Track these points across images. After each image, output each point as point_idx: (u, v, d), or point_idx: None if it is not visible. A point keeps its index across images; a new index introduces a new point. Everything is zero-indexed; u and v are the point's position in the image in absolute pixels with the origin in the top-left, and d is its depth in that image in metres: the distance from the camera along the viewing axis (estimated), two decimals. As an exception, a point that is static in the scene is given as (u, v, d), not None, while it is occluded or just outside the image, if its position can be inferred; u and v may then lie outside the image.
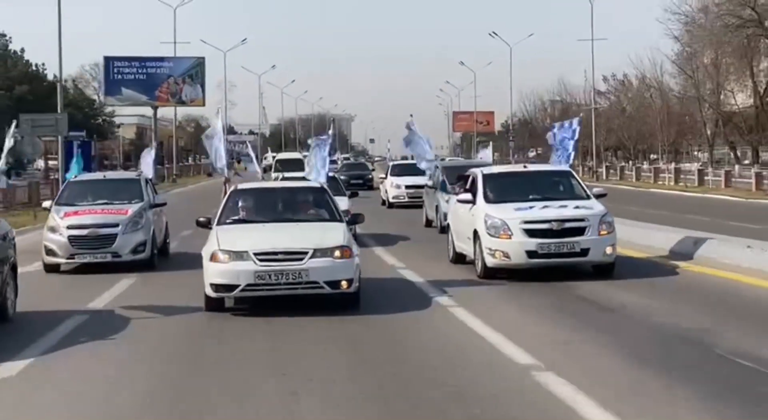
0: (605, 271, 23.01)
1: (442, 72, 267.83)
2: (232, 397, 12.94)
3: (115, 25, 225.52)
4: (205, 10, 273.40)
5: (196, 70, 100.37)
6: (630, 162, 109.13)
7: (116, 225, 27.15)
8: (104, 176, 32.69)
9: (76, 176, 30.85)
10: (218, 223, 20.80)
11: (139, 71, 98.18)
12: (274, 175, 47.31)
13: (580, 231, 22.59)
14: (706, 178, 75.92)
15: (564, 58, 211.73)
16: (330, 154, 31.82)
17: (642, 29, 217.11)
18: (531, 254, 22.52)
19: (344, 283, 19.06)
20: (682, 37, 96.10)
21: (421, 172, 45.38)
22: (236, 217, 21.19)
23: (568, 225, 22.63)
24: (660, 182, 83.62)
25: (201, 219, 21.52)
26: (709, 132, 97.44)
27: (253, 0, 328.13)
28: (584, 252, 22.49)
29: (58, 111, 58.77)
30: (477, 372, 14.13)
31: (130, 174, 35.49)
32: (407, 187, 52.52)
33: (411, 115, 36.94)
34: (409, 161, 58.12)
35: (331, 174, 34.01)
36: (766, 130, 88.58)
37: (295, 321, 18.51)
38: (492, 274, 23.04)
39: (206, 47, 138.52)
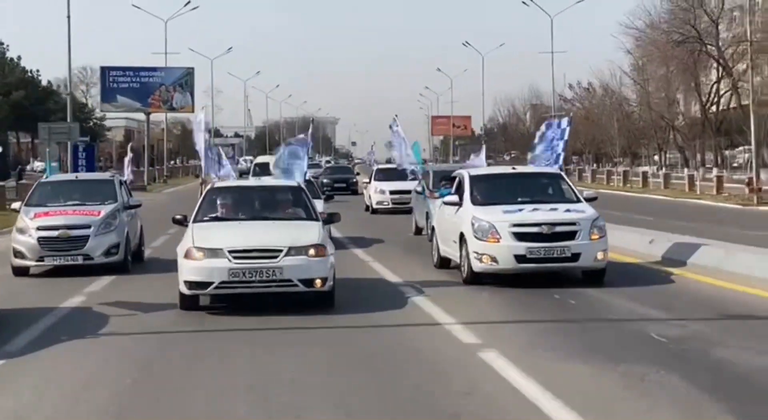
0: (596, 277, 21.78)
1: (424, 76, 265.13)
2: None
3: (105, 31, 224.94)
4: (193, 19, 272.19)
5: (186, 79, 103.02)
6: (588, 166, 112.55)
7: (88, 226, 25.83)
8: (76, 177, 31.37)
9: (47, 177, 29.45)
10: (194, 221, 20.24)
11: (133, 80, 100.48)
12: (253, 178, 45.29)
13: (571, 235, 21.40)
14: (648, 180, 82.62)
15: (535, 66, 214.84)
16: (308, 155, 30.45)
17: (603, 42, 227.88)
18: (520, 259, 21.28)
19: (318, 282, 18.62)
20: (634, 50, 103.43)
21: (408, 177, 42.40)
22: (212, 215, 20.62)
23: (558, 229, 21.42)
24: (611, 184, 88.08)
25: (177, 216, 20.82)
26: (659, 139, 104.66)
27: (238, 9, 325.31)
28: (575, 257, 21.28)
29: (68, 120, 68.37)
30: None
31: (103, 175, 34.16)
32: (392, 192, 49.51)
33: (395, 116, 34.83)
34: (394, 165, 56.68)
35: (308, 177, 32.72)
36: (711, 136, 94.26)
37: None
38: (478, 279, 21.80)
39: (194, 55, 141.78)
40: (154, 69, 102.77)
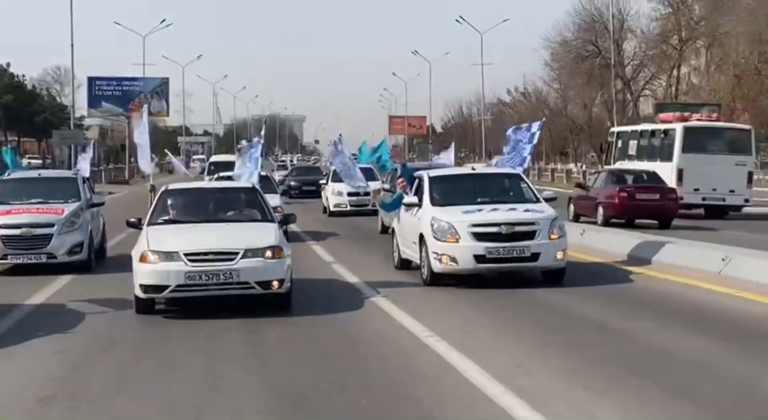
0: (555, 276, 20.03)
1: (384, 78, 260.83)
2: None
3: (84, 38, 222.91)
4: (167, 30, 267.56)
5: (161, 88, 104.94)
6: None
7: (51, 225, 23.60)
8: (39, 174, 28.98)
9: (9, 174, 26.69)
10: (149, 224, 18.47)
11: (116, 88, 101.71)
12: (207, 177, 40.68)
13: (530, 235, 19.56)
14: (557, 174, 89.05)
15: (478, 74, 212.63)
16: (262, 155, 28.01)
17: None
18: (479, 259, 19.46)
19: (275, 284, 17.00)
20: (552, 64, 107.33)
21: (367, 178, 38.78)
22: (167, 218, 18.82)
23: (517, 229, 19.59)
24: (543, 180, 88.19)
25: (131, 219, 19.12)
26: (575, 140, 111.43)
27: (207, 17, 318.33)
28: (534, 257, 19.48)
29: (71, 127, 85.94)
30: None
31: (66, 172, 31.43)
32: (350, 194, 42.35)
33: (340, 135, 32.08)
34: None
35: (263, 173, 30.19)
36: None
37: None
38: (438, 280, 19.95)
39: (167, 62, 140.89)
40: (134, 79, 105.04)
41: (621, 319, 16.29)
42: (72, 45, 79.55)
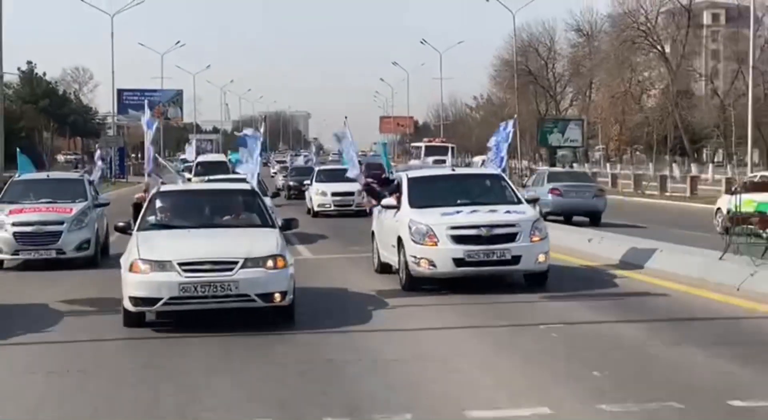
0: (537, 280, 16.13)
1: (375, 83, 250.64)
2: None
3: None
4: (175, 37, 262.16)
5: (177, 98, 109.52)
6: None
7: (61, 223, 20.96)
8: (48, 176, 25.85)
9: (20, 175, 24.09)
10: (139, 229, 14.17)
11: (140, 98, 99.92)
12: (196, 179, 35.33)
13: (510, 237, 15.63)
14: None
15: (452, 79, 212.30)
16: (261, 154, 24.11)
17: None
18: (458, 262, 15.53)
19: (277, 296, 12.84)
20: (496, 78, 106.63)
21: (351, 179, 35.51)
22: (158, 223, 14.49)
23: (497, 231, 15.63)
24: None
25: (119, 223, 14.84)
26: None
27: (214, 31, 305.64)
28: (515, 259, 15.55)
29: (113, 133, 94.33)
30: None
31: (73, 174, 28.57)
32: (334, 194, 35.76)
33: (345, 117, 27.97)
34: (338, 166, 47.56)
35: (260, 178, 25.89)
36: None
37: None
38: (417, 284, 15.99)
39: (179, 71, 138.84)
40: (154, 90, 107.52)
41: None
42: (113, 72, 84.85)
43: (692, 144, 78.72)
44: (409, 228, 16.04)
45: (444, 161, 49.49)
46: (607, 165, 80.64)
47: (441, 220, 15.93)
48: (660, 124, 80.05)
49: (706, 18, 69.50)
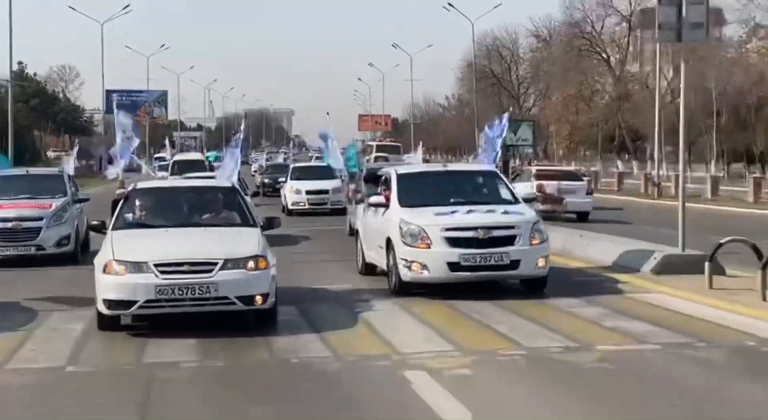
0: (536, 285, 13.98)
1: (354, 82, 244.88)
2: None
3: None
4: (158, 37, 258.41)
5: (161, 98, 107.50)
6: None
7: (41, 218, 19.28)
8: (27, 171, 23.67)
9: None
10: (114, 228, 12.50)
11: (127, 99, 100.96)
12: (172, 178, 31.19)
13: (509, 240, 13.52)
14: None
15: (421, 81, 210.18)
16: (242, 152, 22.12)
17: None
18: (453, 266, 13.42)
19: (259, 298, 11.35)
20: (461, 80, 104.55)
21: (326, 177, 32.65)
22: (134, 221, 12.80)
23: (495, 233, 13.51)
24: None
25: (94, 222, 13.13)
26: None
27: (200, 33, 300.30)
28: (514, 264, 13.44)
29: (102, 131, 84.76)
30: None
31: (53, 170, 26.65)
32: (308, 192, 32.95)
33: (327, 113, 25.57)
34: (313, 163, 42.94)
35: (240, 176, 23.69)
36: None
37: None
38: (407, 288, 13.80)
39: (164, 72, 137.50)
40: (141, 91, 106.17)
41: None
42: (102, 75, 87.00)
43: (633, 143, 78.96)
44: (400, 229, 13.87)
45: (387, 159, 49.93)
46: (563, 162, 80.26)
47: (435, 220, 13.79)
48: (606, 124, 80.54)
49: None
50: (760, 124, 57.60)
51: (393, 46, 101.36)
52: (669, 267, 14.87)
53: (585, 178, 34.67)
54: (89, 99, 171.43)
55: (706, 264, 14.02)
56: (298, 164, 41.46)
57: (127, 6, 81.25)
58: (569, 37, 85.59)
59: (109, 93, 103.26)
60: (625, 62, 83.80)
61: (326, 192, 32.29)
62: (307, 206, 32.91)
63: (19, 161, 44.86)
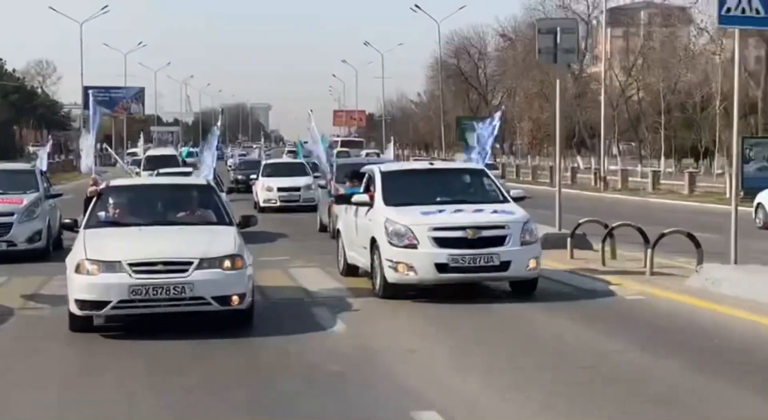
0: (526, 288, 13.02)
1: (330, 78, 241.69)
2: None
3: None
4: (136, 36, 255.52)
5: (139, 95, 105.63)
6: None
7: (11, 214, 18.21)
8: None
9: None
10: (86, 226, 11.59)
11: (105, 95, 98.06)
12: (145, 173, 30.78)
13: (499, 240, 12.49)
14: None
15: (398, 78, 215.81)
16: (218, 148, 21.06)
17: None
18: (441, 268, 12.38)
19: (235, 299, 10.59)
20: (431, 78, 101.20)
21: (298, 173, 31.61)
22: (107, 219, 11.89)
23: (485, 233, 12.47)
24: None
25: (66, 220, 12.36)
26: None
27: (173, 22, 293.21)
28: (504, 265, 12.42)
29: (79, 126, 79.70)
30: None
31: (24, 165, 25.55)
32: (279, 189, 31.51)
33: (311, 111, 24.69)
34: (284, 160, 41.39)
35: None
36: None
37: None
38: (393, 291, 12.73)
39: (140, 68, 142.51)
40: (119, 88, 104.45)
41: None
42: (82, 74, 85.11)
43: (591, 139, 78.94)
44: (386, 228, 12.76)
45: (349, 154, 50.05)
46: (528, 157, 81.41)
47: (421, 219, 12.71)
48: (565, 121, 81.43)
49: (604, 24, 69.80)
50: (705, 122, 58.86)
51: (365, 43, 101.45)
52: (546, 242, 15.26)
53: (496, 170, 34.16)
54: (66, 94, 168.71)
55: (569, 239, 16.83)
56: (269, 161, 39.67)
57: (106, 7, 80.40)
58: (531, 37, 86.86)
59: (86, 89, 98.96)
60: (584, 62, 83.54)
61: (298, 189, 31.10)
62: (278, 203, 31.44)
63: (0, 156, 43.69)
